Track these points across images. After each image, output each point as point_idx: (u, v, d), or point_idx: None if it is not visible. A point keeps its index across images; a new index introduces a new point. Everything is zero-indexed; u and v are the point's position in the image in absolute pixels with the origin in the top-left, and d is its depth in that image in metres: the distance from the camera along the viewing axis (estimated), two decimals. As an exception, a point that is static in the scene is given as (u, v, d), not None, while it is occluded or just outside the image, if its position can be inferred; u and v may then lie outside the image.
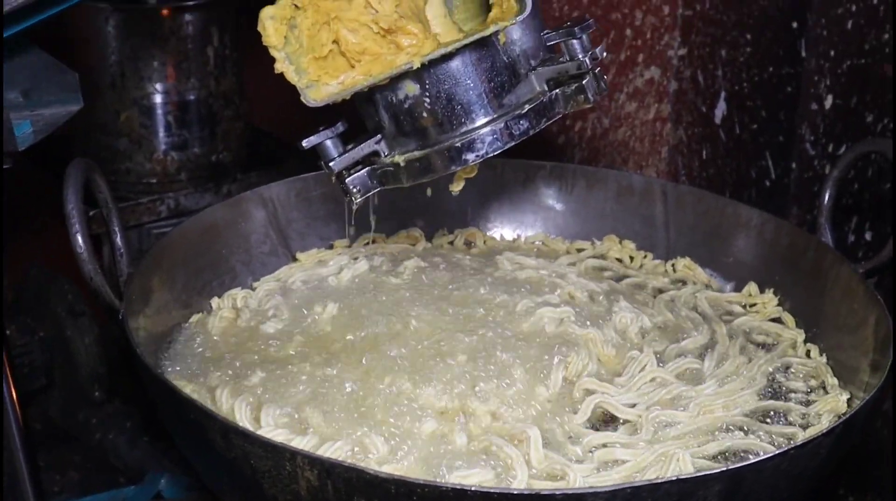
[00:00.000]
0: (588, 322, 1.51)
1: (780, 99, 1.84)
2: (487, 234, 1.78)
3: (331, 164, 1.31)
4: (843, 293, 1.49)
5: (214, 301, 1.53)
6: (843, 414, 1.35)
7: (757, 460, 1.13)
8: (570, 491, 1.07)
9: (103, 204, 1.37)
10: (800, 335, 1.54)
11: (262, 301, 1.55)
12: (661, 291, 1.65)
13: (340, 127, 1.32)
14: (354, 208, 1.35)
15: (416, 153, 1.30)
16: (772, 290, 1.61)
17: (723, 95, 1.91)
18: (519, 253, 1.69)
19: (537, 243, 1.76)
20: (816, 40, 1.74)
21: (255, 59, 1.46)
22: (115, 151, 1.87)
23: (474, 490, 1.07)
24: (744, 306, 1.62)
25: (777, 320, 1.58)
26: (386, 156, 1.32)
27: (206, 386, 1.36)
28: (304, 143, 1.31)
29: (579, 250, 1.74)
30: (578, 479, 1.22)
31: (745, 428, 1.35)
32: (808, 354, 1.51)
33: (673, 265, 1.71)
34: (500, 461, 1.25)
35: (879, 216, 1.81)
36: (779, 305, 1.60)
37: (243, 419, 1.28)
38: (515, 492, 1.07)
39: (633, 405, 1.37)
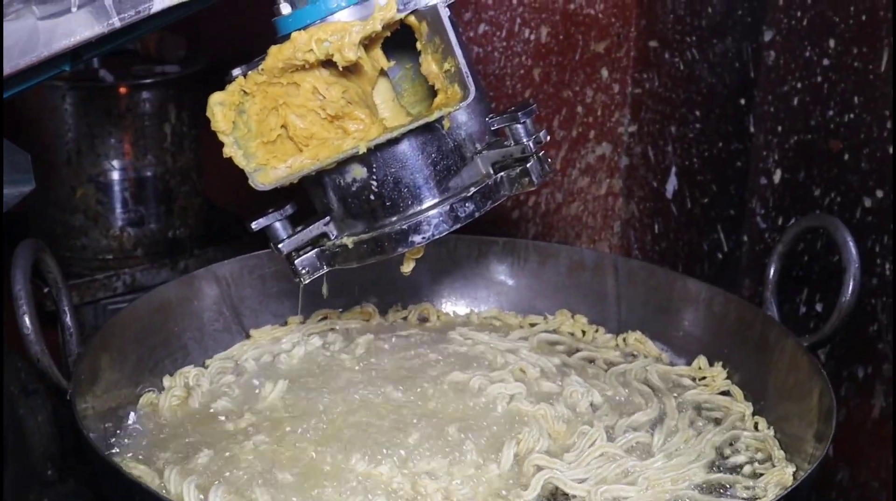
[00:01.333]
0: (539, 398, 1.52)
1: (729, 174, 1.87)
2: (441, 309, 1.79)
3: (280, 246, 1.33)
4: (789, 366, 1.51)
5: (166, 379, 1.54)
6: (788, 487, 1.36)
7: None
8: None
9: (52, 284, 1.37)
10: (748, 408, 1.55)
11: (214, 379, 1.55)
12: (612, 364, 1.67)
13: (289, 209, 1.33)
14: (302, 288, 1.36)
15: (364, 236, 1.31)
16: (721, 363, 1.64)
17: (673, 170, 1.95)
18: (472, 328, 1.71)
19: (490, 318, 1.78)
20: (764, 117, 1.78)
21: (212, 136, 1.48)
22: (70, 227, 1.88)
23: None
24: (694, 380, 1.64)
25: (726, 393, 1.60)
26: (334, 237, 1.34)
27: (155, 467, 1.35)
28: (254, 225, 1.33)
29: (532, 325, 1.75)
30: None
31: None
32: (756, 426, 1.53)
33: (624, 339, 1.73)
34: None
35: (829, 288, 1.84)
36: (728, 378, 1.62)
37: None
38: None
39: (583, 480, 1.38)
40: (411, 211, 1.30)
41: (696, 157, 1.92)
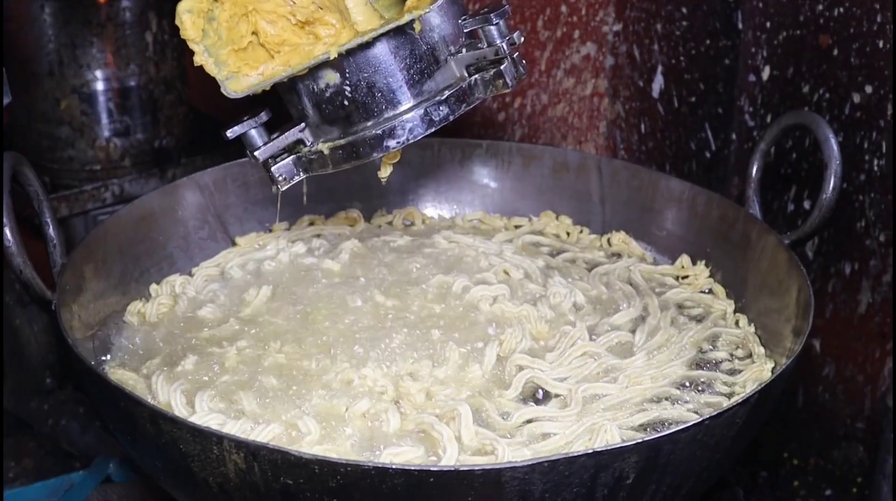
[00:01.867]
0: (523, 300, 1.54)
1: (717, 71, 1.85)
2: (426, 213, 1.80)
3: (256, 153, 1.34)
4: (770, 263, 1.52)
5: (153, 288, 1.55)
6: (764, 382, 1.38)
7: (672, 431, 1.16)
8: (489, 467, 1.10)
9: (34, 196, 1.38)
10: (729, 306, 1.57)
11: (200, 287, 1.57)
12: (596, 264, 1.67)
13: (264, 116, 1.34)
14: (279, 195, 1.37)
15: (340, 141, 1.32)
16: (703, 262, 1.65)
17: (660, 69, 1.93)
18: (457, 231, 1.71)
19: (475, 221, 1.79)
20: (752, 12, 1.76)
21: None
22: (56, 139, 1.88)
23: (395, 468, 1.09)
24: (677, 279, 1.65)
25: (708, 291, 1.61)
26: (310, 144, 1.34)
27: (143, 375, 1.38)
28: (228, 132, 1.33)
29: (517, 227, 1.76)
30: (507, 454, 1.25)
31: (672, 399, 1.38)
32: (737, 323, 1.54)
33: (608, 240, 1.74)
34: (431, 439, 1.28)
35: (817, 185, 1.84)
36: (710, 276, 1.63)
37: (178, 406, 1.30)
38: (434, 469, 1.10)
39: (564, 379, 1.40)
40: (386, 116, 1.30)
41: (683, 55, 1.90)
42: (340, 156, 1.32)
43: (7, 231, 1.29)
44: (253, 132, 1.33)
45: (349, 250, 1.63)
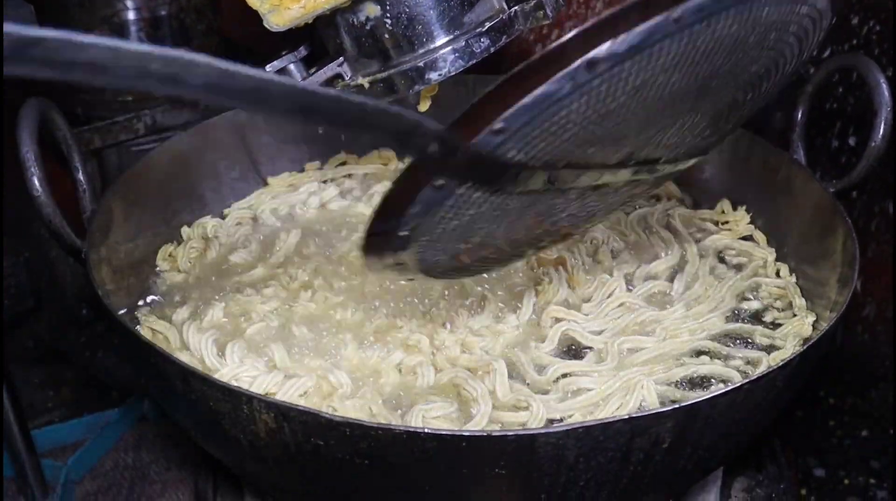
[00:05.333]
0: (560, 246, 1.50)
1: (763, 2, 1.79)
2: None
3: None
4: (814, 212, 1.48)
5: (184, 231, 1.53)
6: (807, 340, 1.36)
7: (710, 395, 1.13)
8: (522, 433, 1.08)
9: (62, 141, 1.36)
10: (770, 254, 1.53)
11: (232, 232, 1.55)
12: (635, 207, 1.64)
13: (303, 51, 1.33)
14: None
15: (380, 74, 1.30)
16: (744, 207, 1.60)
17: (704, 0, 1.87)
18: None
19: None
20: (801, -60, 1.69)
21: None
22: (88, 69, 1.85)
23: (427, 432, 1.08)
24: (717, 224, 1.61)
25: (749, 237, 1.57)
26: (349, 78, 1.33)
27: (174, 323, 1.37)
28: (268, 67, 1.32)
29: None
30: (541, 410, 1.24)
31: (711, 353, 1.36)
32: (777, 274, 1.51)
33: None
34: (464, 394, 1.26)
35: (863, 122, 1.79)
36: (751, 222, 1.59)
37: (210, 357, 1.29)
38: (467, 434, 1.08)
39: (600, 333, 1.38)
40: (426, 48, 1.29)
41: (729, -14, 1.84)
42: (381, 89, 1.31)
43: (36, 181, 1.27)
44: (292, 67, 1.33)
45: (381, 194, 1.59)
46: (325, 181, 1.63)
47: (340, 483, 1.15)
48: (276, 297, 1.40)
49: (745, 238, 1.58)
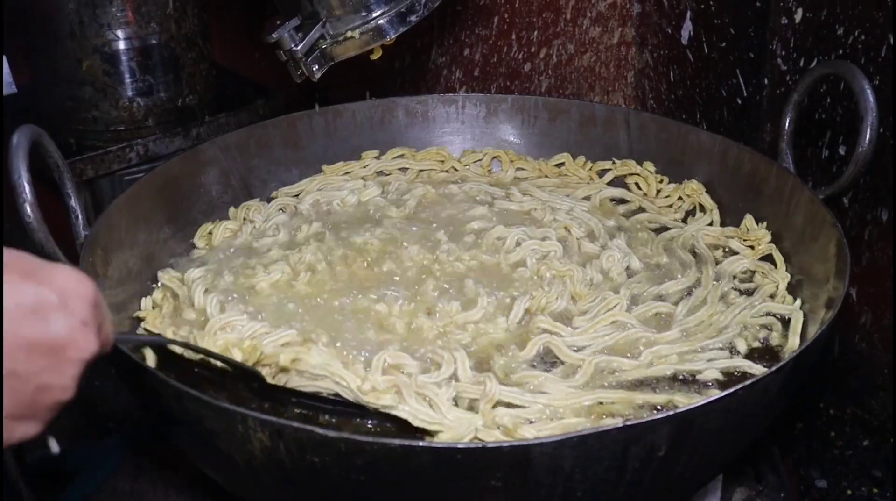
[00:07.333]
0: (573, 259, 1.52)
1: (748, 15, 1.81)
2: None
3: (297, 48, 1.53)
4: (805, 219, 1.49)
5: (231, 211, 1.66)
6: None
7: (705, 401, 1.13)
8: (518, 444, 1.08)
9: (54, 167, 1.36)
10: (783, 280, 1.48)
11: (271, 215, 1.65)
12: (665, 228, 1.62)
13: (296, 21, 1.53)
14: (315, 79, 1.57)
15: (368, 24, 1.52)
16: (764, 224, 1.57)
17: (689, 14, 1.88)
18: (538, 184, 1.71)
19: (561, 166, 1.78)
20: (784, -48, 1.71)
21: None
22: (80, 100, 1.86)
23: (422, 446, 1.08)
24: (742, 241, 1.57)
25: (769, 256, 1.54)
26: (332, 36, 1.55)
27: (186, 281, 1.47)
28: (274, 35, 1.53)
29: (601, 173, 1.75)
30: (496, 389, 1.25)
31: (689, 381, 1.31)
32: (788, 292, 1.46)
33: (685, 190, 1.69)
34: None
35: (852, 131, 1.80)
36: (771, 241, 1.56)
37: (213, 313, 1.39)
38: (461, 446, 1.08)
39: (583, 348, 1.36)
40: None
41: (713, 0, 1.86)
42: (368, 37, 1.53)
43: (28, 208, 1.28)
44: (286, 36, 1.53)
45: (417, 197, 1.67)
46: (364, 178, 1.73)
47: (338, 500, 1.15)
48: (278, 276, 1.48)
49: (764, 258, 1.54)
